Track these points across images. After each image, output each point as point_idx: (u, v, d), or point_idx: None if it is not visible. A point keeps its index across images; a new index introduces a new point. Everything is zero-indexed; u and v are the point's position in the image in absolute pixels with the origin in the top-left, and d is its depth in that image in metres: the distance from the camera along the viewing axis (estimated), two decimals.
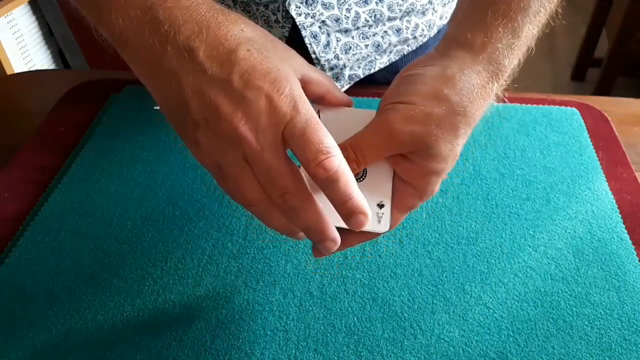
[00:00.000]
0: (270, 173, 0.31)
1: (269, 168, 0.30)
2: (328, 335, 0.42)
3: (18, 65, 1.57)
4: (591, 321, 0.42)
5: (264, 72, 0.30)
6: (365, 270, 0.46)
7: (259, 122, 0.30)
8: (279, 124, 0.30)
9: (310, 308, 0.43)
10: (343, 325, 0.42)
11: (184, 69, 0.30)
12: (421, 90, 0.35)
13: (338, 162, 0.30)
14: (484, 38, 0.36)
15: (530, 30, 0.37)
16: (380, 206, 0.36)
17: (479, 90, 0.36)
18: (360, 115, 0.38)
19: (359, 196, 0.31)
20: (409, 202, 0.37)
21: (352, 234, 0.35)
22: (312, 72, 0.36)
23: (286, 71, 0.31)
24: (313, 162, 0.30)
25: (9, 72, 1.51)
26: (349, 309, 0.43)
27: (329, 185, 0.30)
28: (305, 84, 0.35)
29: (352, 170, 0.33)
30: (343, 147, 0.35)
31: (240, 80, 0.30)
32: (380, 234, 0.36)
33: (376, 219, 0.36)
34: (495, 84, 0.37)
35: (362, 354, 0.41)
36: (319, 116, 0.36)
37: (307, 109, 0.31)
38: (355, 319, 0.43)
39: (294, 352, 0.41)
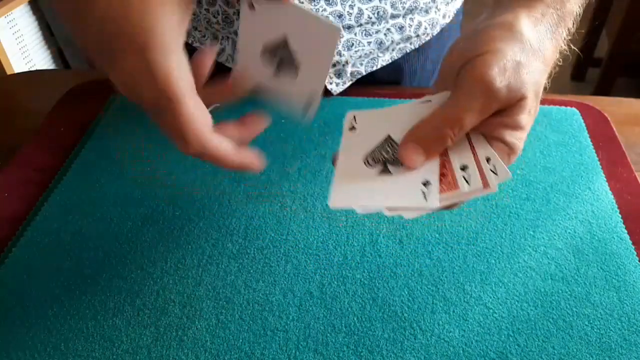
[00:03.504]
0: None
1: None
2: (328, 335, 0.42)
3: (18, 65, 1.57)
4: (591, 321, 0.42)
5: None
6: (365, 270, 0.46)
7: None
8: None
9: (310, 308, 0.43)
10: (343, 325, 0.42)
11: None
12: (504, 37, 0.33)
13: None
14: None
15: None
16: (425, 184, 0.35)
17: (551, 34, 0.35)
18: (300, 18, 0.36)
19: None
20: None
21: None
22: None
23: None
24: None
25: (9, 72, 1.51)
26: (349, 309, 0.43)
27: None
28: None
29: (447, 145, 0.33)
30: (435, 127, 0.34)
31: None
32: (432, 210, 0.35)
33: (422, 196, 0.34)
34: (562, 28, 0.36)
35: (362, 354, 0.41)
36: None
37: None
38: (355, 319, 0.43)
39: (294, 352, 0.41)
